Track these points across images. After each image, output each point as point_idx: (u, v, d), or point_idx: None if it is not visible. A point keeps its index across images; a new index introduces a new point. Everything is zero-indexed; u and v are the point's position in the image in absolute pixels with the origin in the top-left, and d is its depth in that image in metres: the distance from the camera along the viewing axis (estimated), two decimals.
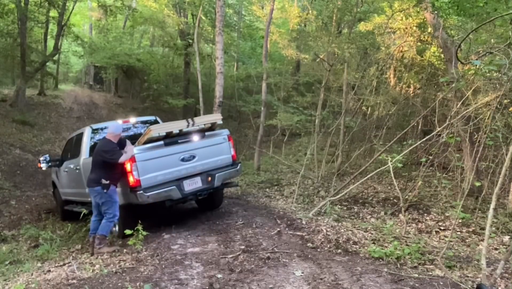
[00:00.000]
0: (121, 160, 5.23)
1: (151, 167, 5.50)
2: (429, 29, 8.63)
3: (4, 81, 22.60)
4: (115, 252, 5.19)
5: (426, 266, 4.20)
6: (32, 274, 4.86)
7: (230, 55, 19.90)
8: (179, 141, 5.85)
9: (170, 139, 5.77)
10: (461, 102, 5.88)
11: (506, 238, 5.31)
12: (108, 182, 5.20)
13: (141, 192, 5.33)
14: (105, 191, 5.19)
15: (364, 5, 11.12)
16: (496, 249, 5.05)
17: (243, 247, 4.90)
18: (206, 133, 6.21)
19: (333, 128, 10.27)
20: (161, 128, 5.71)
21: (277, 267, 4.22)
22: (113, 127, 5.55)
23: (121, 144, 5.52)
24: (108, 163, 5.27)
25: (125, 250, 5.21)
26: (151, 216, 6.23)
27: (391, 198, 7.53)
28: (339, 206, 7.15)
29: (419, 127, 9.48)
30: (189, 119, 5.98)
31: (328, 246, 4.88)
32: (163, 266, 4.42)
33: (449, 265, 4.18)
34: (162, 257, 4.73)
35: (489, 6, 7.10)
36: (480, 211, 6.10)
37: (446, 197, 6.84)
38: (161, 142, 5.67)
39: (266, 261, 4.40)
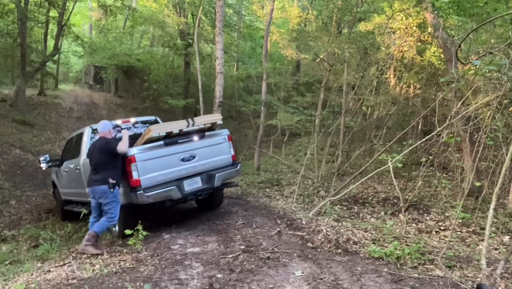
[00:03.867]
0: (122, 147, 5.25)
1: (151, 167, 5.50)
2: (429, 29, 8.63)
3: (4, 81, 22.61)
4: (100, 256, 5.10)
5: (426, 266, 4.20)
6: (32, 274, 4.85)
7: (230, 55, 19.89)
8: (179, 141, 5.85)
9: (170, 139, 5.77)
10: (461, 102, 5.88)
11: (506, 238, 5.32)
12: (114, 181, 5.21)
13: (141, 192, 5.33)
14: (111, 190, 5.19)
15: (364, 5, 11.12)
16: (496, 249, 5.05)
17: (243, 247, 4.90)
18: (206, 133, 6.21)
19: (333, 128, 10.27)
20: (161, 128, 5.71)
21: (277, 267, 4.22)
22: (103, 126, 5.59)
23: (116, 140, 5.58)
24: (114, 162, 5.29)
25: (125, 250, 5.21)
26: (151, 216, 6.23)
27: (391, 198, 7.53)
28: (339, 206, 7.15)
29: (419, 127, 9.48)
30: (189, 119, 5.98)
31: (328, 246, 4.88)
32: (163, 266, 4.42)
33: (449, 265, 4.18)
34: (162, 257, 4.73)
35: (489, 6, 7.10)
36: (480, 211, 6.10)
37: (446, 197, 6.84)
38: (161, 142, 5.67)
39: (266, 261, 4.40)
